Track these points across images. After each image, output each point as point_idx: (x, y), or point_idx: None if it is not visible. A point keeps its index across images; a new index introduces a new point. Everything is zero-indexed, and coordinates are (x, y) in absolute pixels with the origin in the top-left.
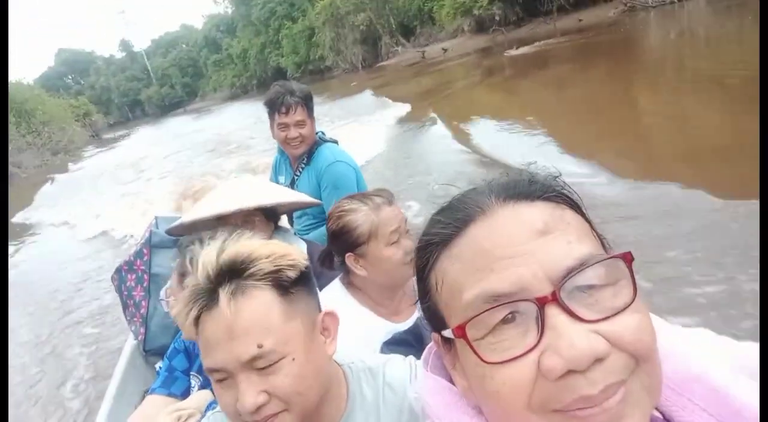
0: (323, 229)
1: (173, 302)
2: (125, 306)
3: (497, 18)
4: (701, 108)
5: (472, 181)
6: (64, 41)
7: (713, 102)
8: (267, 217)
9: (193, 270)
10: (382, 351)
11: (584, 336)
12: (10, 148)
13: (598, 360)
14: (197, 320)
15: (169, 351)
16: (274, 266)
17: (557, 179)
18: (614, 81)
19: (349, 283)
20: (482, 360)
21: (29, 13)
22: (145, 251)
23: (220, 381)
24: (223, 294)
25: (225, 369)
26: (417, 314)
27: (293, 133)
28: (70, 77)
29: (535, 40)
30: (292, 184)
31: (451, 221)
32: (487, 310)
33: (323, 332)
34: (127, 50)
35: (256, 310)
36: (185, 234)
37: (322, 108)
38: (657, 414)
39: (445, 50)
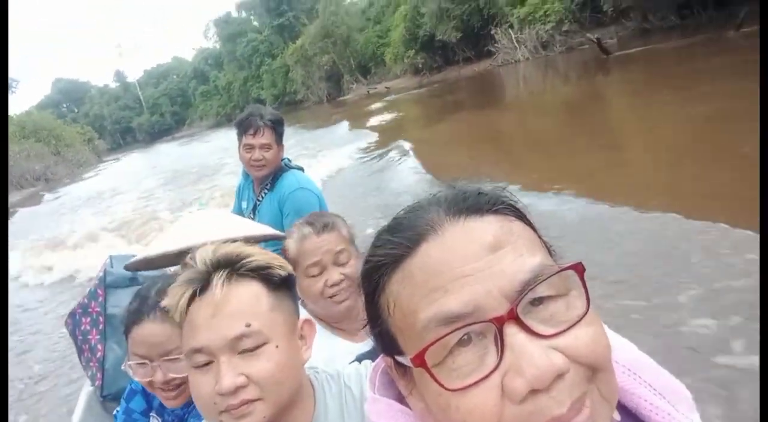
0: None
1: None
2: (80, 351)
3: (420, 66)
4: (538, 120)
5: (417, 195)
6: (61, 71)
7: (542, 115)
8: None
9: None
10: None
11: (544, 353)
12: (49, 162)
13: (559, 376)
14: (188, 305)
15: (126, 393)
16: (266, 263)
17: (504, 191)
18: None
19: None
20: (444, 387)
21: (29, 44)
22: (99, 292)
23: (198, 367)
24: (217, 277)
25: (208, 349)
26: None
27: (257, 155)
28: (65, 105)
29: (446, 81)
30: (255, 209)
31: (401, 240)
32: (444, 336)
33: (301, 338)
34: (121, 81)
35: (245, 295)
36: (143, 269)
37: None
38: None
39: (387, 88)
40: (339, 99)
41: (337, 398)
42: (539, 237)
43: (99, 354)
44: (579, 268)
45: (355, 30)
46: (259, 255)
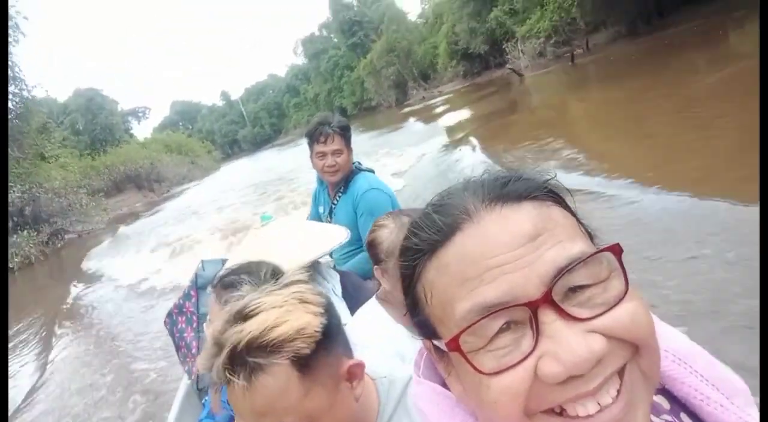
0: (361, 256)
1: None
2: (178, 348)
3: (463, 73)
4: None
5: (456, 178)
6: (177, 94)
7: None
8: None
9: (209, 342)
10: None
11: (582, 338)
12: (189, 167)
13: (598, 361)
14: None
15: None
16: (291, 343)
17: (543, 175)
18: None
19: (384, 299)
20: (478, 371)
21: (149, 71)
22: (192, 293)
23: None
24: (242, 376)
25: None
26: None
27: (330, 161)
28: (181, 123)
29: (481, 84)
30: (331, 213)
31: (439, 227)
32: (478, 321)
33: (348, 379)
34: (226, 99)
35: (274, 391)
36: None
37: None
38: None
39: (440, 92)
40: (405, 103)
41: (400, 402)
42: (579, 222)
43: (194, 350)
44: (616, 249)
45: (414, 43)
46: (282, 337)
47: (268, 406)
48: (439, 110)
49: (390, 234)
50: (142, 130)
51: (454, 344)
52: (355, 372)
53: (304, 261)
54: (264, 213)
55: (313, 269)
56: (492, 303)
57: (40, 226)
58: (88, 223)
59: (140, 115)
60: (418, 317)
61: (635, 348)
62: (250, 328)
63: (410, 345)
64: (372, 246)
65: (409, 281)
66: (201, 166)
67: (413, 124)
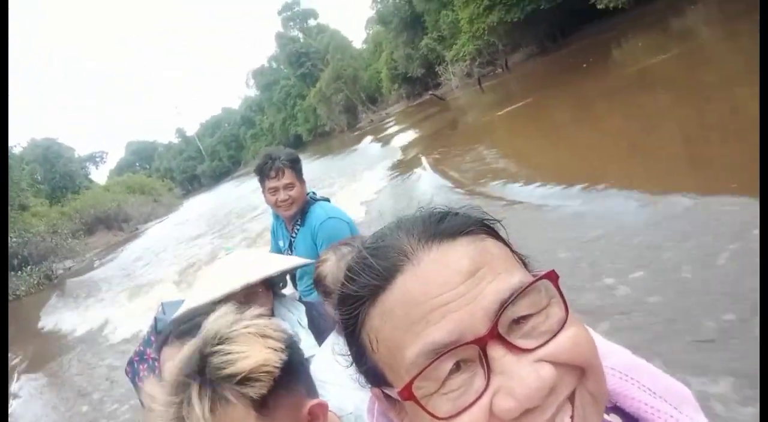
0: None
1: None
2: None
3: (404, 95)
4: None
5: (393, 215)
6: (132, 135)
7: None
8: (267, 287)
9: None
10: None
11: (531, 369)
12: (152, 206)
13: (550, 389)
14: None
15: None
16: (248, 381)
17: (474, 209)
18: None
19: None
20: (434, 416)
21: (149, 71)
22: (153, 339)
23: None
24: (197, 412)
25: None
26: None
27: (283, 195)
28: (138, 164)
29: (422, 104)
30: (291, 246)
31: (377, 272)
32: (428, 366)
33: (310, 421)
34: (182, 136)
35: None
36: (190, 317)
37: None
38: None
39: (386, 114)
40: (356, 126)
41: None
42: (512, 251)
43: None
44: (552, 275)
45: (360, 69)
46: (239, 379)
47: None
48: (389, 131)
49: (332, 267)
50: (100, 174)
51: (407, 392)
52: (317, 414)
53: (267, 272)
54: (227, 246)
55: (278, 301)
56: (441, 343)
57: (40, 263)
58: (75, 259)
59: (98, 159)
60: (366, 366)
61: (581, 372)
62: (213, 363)
63: None
64: (318, 282)
65: (353, 329)
66: (163, 203)
67: (368, 146)
